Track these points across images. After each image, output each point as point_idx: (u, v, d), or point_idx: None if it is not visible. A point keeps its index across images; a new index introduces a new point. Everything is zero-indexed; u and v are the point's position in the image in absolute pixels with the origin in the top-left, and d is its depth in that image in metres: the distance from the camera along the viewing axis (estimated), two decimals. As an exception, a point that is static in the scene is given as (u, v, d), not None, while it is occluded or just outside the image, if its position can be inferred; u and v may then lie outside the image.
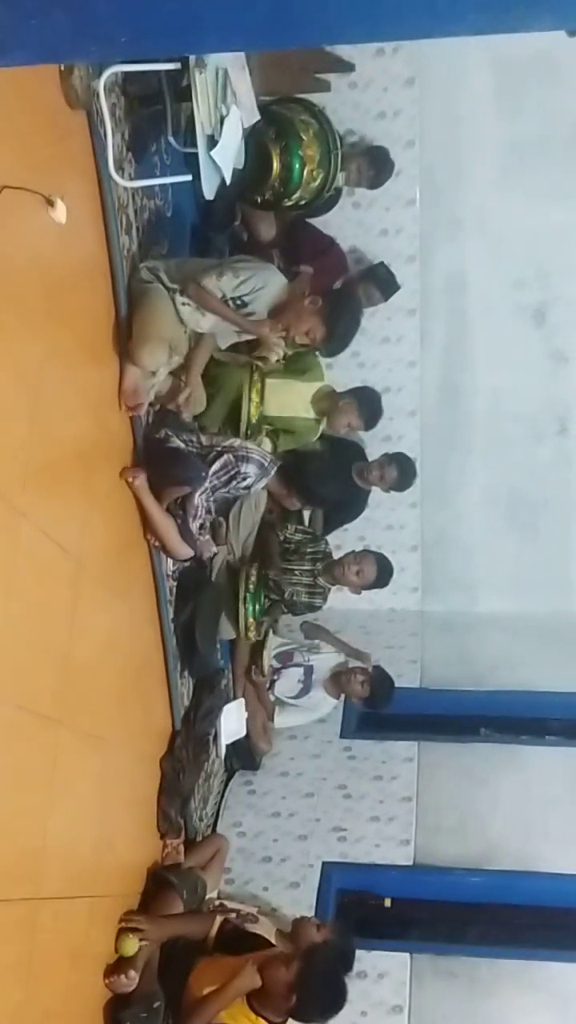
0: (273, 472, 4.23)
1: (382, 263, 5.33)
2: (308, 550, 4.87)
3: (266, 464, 4.12)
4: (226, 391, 4.36)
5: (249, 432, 4.37)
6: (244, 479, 4.04)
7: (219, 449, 3.99)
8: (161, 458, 3.68)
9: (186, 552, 3.81)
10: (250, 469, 4.03)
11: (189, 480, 3.72)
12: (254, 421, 4.38)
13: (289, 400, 4.69)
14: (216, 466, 3.96)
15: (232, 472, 4.01)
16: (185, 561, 3.92)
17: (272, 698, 4.87)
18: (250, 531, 4.59)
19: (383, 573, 5.05)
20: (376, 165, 5.10)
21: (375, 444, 5.61)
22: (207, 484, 3.89)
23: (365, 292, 5.21)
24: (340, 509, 5.33)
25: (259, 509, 4.57)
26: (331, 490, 5.10)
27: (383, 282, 5.29)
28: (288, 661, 4.91)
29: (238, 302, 3.78)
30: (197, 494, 3.80)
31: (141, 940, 3.36)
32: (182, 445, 3.81)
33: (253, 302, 3.81)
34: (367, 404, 5.18)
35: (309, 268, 4.83)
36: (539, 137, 5.21)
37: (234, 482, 4.03)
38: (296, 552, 4.82)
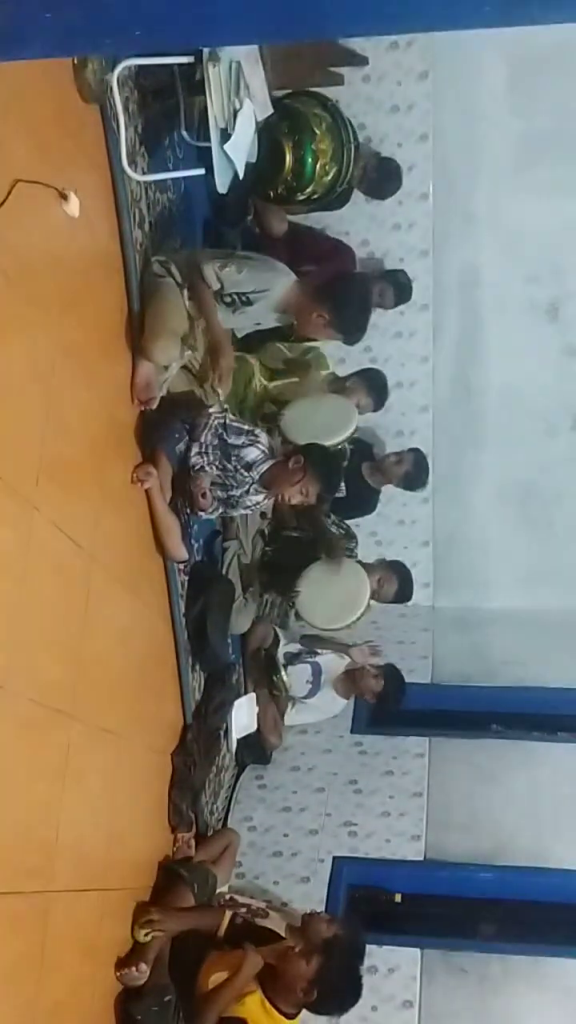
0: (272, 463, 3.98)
1: (404, 271, 5.32)
2: None
3: (272, 452, 3.97)
4: (235, 383, 4.34)
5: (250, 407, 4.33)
6: (247, 445, 3.84)
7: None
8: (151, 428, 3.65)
9: (183, 555, 3.80)
10: (259, 442, 3.89)
11: (160, 439, 3.64)
12: (259, 390, 4.38)
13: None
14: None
15: (246, 430, 3.87)
16: (180, 563, 3.91)
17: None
18: (257, 527, 4.59)
19: (404, 586, 5.06)
20: (382, 172, 5.07)
21: (387, 440, 5.62)
22: (213, 424, 3.79)
23: (380, 291, 5.19)
24: (350, 509, 5.31)
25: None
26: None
27: (401, 286, 5.28)
28: (294, 660, 4.88)
29: (243, 299, 3.73)
30: (201, 428, 3.75)
31: (155, 932, 3.40)
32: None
33: (257, 302, 3.76)
34: (375, 382, 5.19)
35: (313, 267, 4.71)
36: (554, 131, 5.18)
37: (243, 438, 3.82)
38: None
